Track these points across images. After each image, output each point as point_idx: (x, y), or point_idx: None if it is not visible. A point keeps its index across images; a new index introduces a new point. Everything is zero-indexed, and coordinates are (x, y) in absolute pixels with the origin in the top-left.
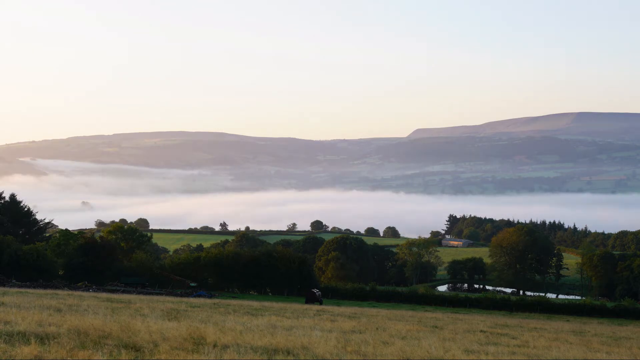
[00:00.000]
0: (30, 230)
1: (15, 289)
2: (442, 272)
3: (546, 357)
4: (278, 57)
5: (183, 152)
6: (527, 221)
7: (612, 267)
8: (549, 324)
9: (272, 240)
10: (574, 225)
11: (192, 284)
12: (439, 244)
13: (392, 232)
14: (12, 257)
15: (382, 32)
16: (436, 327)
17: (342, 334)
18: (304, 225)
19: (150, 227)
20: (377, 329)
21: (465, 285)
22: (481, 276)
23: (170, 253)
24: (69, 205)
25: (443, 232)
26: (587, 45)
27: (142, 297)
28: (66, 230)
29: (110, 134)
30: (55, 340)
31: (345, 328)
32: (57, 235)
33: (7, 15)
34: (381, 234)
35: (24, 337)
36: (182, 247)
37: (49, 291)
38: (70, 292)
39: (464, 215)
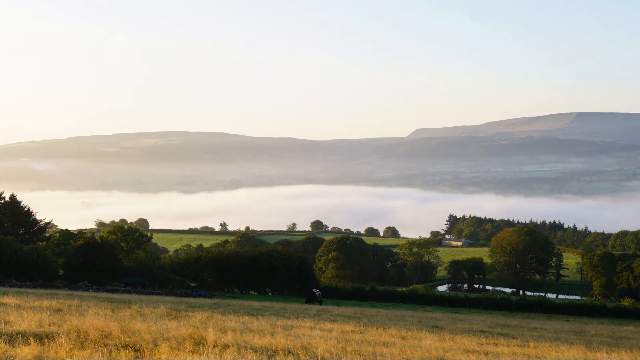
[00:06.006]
0: (30, 230)
1: (15, 289)
2: (442, 272)
3: (546, 357)
4: (279, 57)
5: (183, 152)
6: (527, 221)
7: (612, 267)
8: (549, 324)
9: (272, 240)
10: (574, 225)
11: (192, 284)
12: (439, 244)
13: (392, 232)
14: (12, 257)
15: (383, 32)
16: (436, 327)
17: (342, 334)
18: (304, 225)
19: (150, 227)
20: (377, 329)
21: (465, 285)
22: (481, 276)
23: (170, 253)
24: (69, 205)
25: (443, 232)
26: (587, 46)
27: (142, 297)
28: (66, 230)
29: (110, 134)
30: (55, 340)
31: (345, 328)
32: (57, 235)
33: (6, 15)
34: (381, 234)
35: (24, 337)
36: (182, 247)
37: (49, 291)
38: (70, 292)
39: (464, 215)
